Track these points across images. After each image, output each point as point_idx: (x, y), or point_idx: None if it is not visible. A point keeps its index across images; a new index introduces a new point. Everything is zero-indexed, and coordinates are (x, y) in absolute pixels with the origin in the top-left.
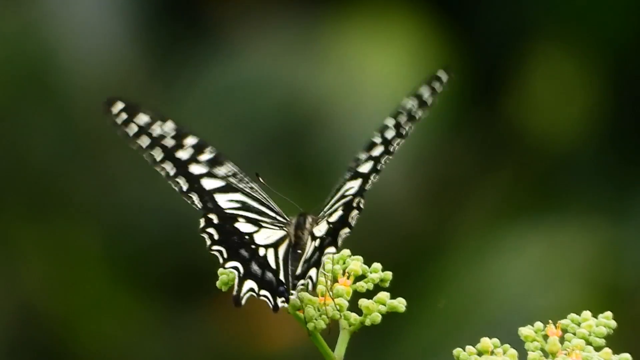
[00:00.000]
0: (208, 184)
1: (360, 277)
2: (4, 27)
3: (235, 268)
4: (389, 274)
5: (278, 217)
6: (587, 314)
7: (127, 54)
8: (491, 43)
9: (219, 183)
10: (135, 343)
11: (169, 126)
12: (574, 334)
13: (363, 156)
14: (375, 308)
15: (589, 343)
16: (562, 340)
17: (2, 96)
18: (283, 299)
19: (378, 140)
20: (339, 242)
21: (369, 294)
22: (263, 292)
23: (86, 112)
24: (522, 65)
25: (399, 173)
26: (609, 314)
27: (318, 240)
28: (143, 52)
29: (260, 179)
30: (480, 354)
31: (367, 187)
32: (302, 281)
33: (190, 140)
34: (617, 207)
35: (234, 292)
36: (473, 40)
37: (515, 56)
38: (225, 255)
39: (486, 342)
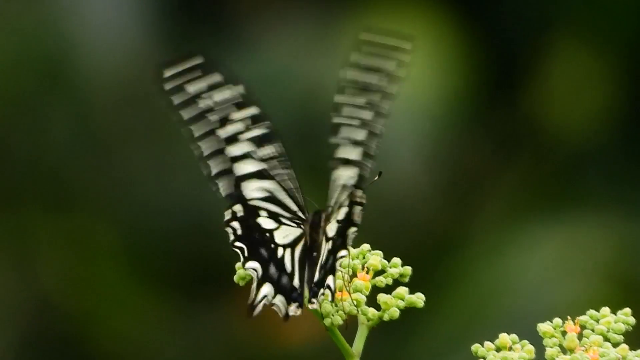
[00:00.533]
0: (241, 168)
1: (379, 272)
2: (21, 22)
3: (255, 270)
4: (408, 269)
5: (299, 213)
6: (605, 310)
7: (144, 49)
8: (510, 38)
9: (254, 167)
10: (153, 338)
11: (235, 92)
12: (593, 330)
13: (334, 140)
14: (394, 303)
15: (607, 339)
16: (580, 336)
17: (20, 91)
18: (297, 304)
19: (354, 122)
20: (349, 242)
21: (388, 289)
22: (277, 298)
23: (103, 107)
24: (540, 60)
25: (417, 167)
26: (627, 310)
27: (331, 243)
28: (160, 47)
29: (308, 199)
30: (498, 349)
31: (365, 175)
32: (322, 290)
33: (249, 112)
34: (634, 202)
35: (250, 300)
36: (491, 35)
37: (533, 51)
38: (246, 254)
39: (504, 337)
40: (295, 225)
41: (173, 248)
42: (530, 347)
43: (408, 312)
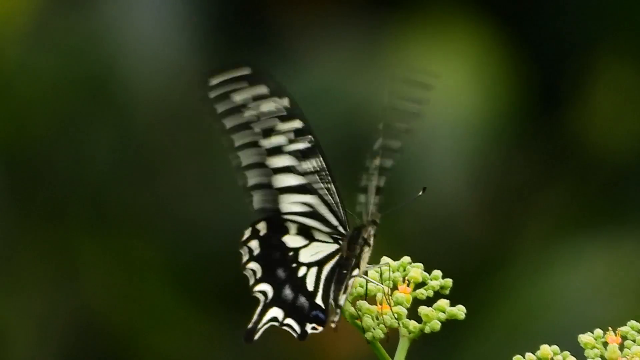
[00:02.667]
0: (281, 180)
1: (420, 285)
2: (66, 37)
3: (263, 293)
4: (449, 281)
5: (339, 228)
6: None
7: (189, 65)
8: (553, 54)
9: (294, 181)
10: (196, 354)
11: (280, 105)
12: (634, 341)
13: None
14: (435, 315)
15: None
16: (621, 347)
17: (64, 108)
18: (314, 325)
19: (393, 144)
20: (363, 263)
21: (429, 302)
22: (288, 320)
23: (147, 124)
24: (584, 78)
25: (462, 184)
26: None
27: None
28: (205, 63)
29: (351, 213)
30: None
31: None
32: (338, 310)
33: (294, 125)
34: None
35: (250, 325)
36: (535, 52)
37: (577, 69)
38: (258, 276)
39: (546, 349)
40: (332, 240)
41: (216, 264)
42: (573, 359)
43: (451, 327)
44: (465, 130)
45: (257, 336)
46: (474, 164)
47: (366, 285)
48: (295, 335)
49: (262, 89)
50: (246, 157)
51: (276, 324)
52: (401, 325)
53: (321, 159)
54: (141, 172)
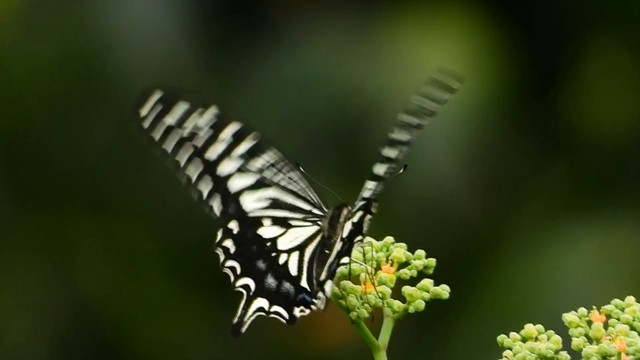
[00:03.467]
0: (236, 184)
1: (403, 264)
2: (58, 24)
3: (246, 287)
4: (432, 261)
5: (314, 210)
6: (630, 299)
7: (182, 49)
8: (547, 38)
9: (249, 180)
10: (190, 342)
11: (209, 115)
12: (618, 319)
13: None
14: (419, 295)
15: (633, 328)
16: (606, 325)
17: (59, 95)
18: (302, 307)
19: (402, 137)
20: (352, 249)
21: (413, 282)
22: (275, 308)
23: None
24: (578, 61)
25: (455, 168)
26: None
27: (341, 245)
28: (198, 47)
29: (301, 168)
30: (524, 340)
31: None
32: (320, 294)
33: (232, 128)
34: None
35: (235, 319)
36: (529, 35)
37: (572, 52)
38: (238, 272)
39: (530, 328)
40: (310, 223)
41: (210, 251)
42: (557, 338)
43: (444, 311)
44: (459, 113)
45: (244, 329)
46: (468, 147)
47: (349, 265)
48: (284, 321)
49: (184, 106)
50: (194, 172)
51: (263, 313)
52: (385, 304)
53: (274, 150)
54: (136, 157)
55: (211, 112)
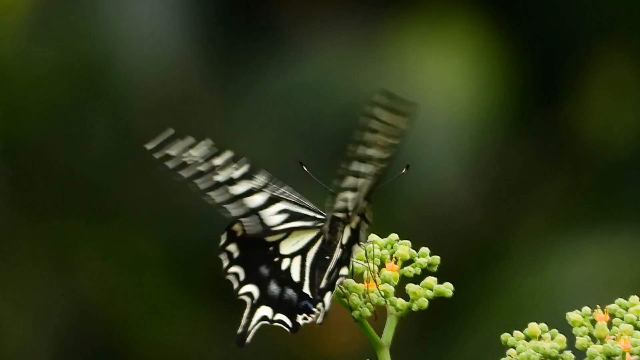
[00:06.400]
0: (252, 201)
1: (408, 262)
2: (61, 31)
3: (249, 294)
4: (436, 259)
5: (317, 215)
6: (634, 298)
7: (186, 55)
8: (551, 49)
9: (262, 198)
10: (191, 347)
11: (204, 148)
12: (622, 318)
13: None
14: (423, 293)
15: (637, 328)
16: (610, 325)
17: (61, 101)
18: (304, 315)
19: (364, 156)
20: (351, 261)
21: (417, 280)
22: (278, 316)
23: (143, 115)
24: (581, 71)
25: (457, 177)
26: None
27: (340, 252)
28: (201, 53)
29: (305, 167)
30: (528, 338)
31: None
32: (319, 305)
33: (227, 155)
34: None
35: (240, 329)
36: (532, 45)
37: (574, 62)
38: (241, 278)
39: (534, 327)
40: (312, 225)
41: (212, 256)
42: (562, 337)
43: (449, 318)
44: (462, 122)
45: (248, 339)
46: (471, 156)
47: (352, 263)
48: (287, 329)
49: (190, 140)
50: (215, 195)
51: (267, 322)
52: (388, 303)
53: (263, 170)
54: (137, 163)
55: (208, 143)
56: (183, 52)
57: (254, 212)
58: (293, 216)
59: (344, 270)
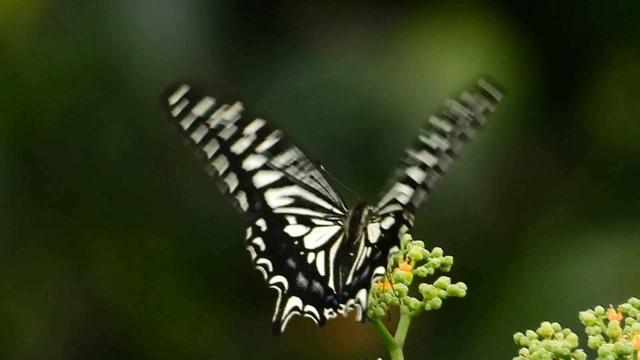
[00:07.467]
0: (261, 179)
1: (421, 262)
2: (77, 28)
3: (280, 285)
4: (450, 259)
5: (335, 210)
6: None
7: (201, 56)
8: (565, 47)
9: (274, 177)
10: (206, 348)
11: (234, 111)
12: (635, 318)
13: (412, 154)
14: (436, 293)
15: None
16: (622, 324)
17: (76, 102)
18: (331, 309)
19: (432, 144)
20: (389, 260)
21: (430, 280)
22: (308, 307)
23: (158, 118)
24: (596, 72)
25: (473, 178)
26: None
27: (370, 250)
28: (217, 54)
29: (322, 166)
30: (541, 338)
31: (418, 201)
32: (351, 301)
33: (256, 125)
34: None
35: (274, 318)
36: (546, 44)
37: (589, 62)
38: (270, 269)
39: (547, 326)
40: (332, 222)
41: (227, 256)
42: (573, 336)
43: (463, 319)
44: None
45: (283, 328)
46: (486, 157)
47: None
48: (316, 321)
49: (209, 101)
50: (221, 165)
51: (298, 312)
52: (402, 302)
53: (296, 149)
54: (152, 164)
55: (236, 108)
56: (198, 52)
57: (258, 191)
58: (301, 203)
59: (380, 269)
